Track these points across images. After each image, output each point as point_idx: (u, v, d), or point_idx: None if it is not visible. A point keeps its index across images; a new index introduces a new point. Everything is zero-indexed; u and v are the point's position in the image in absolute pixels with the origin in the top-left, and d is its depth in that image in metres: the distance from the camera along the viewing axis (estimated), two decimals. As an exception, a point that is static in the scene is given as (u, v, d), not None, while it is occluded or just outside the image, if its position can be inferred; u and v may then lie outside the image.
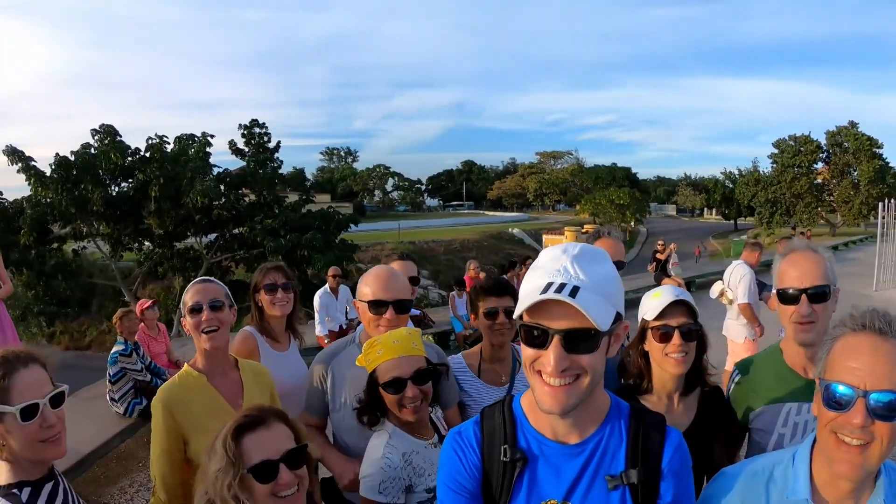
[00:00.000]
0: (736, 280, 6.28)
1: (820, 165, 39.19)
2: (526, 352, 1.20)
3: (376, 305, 2.18)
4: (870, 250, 21.79)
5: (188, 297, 2.23)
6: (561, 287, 1.13)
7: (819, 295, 1.82)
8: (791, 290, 1.85)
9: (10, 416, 1.48)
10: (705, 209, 79.87)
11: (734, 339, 6.38)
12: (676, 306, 1.94)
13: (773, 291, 1.95)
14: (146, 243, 20.41)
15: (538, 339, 1.16)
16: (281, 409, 1.69)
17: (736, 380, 2.05)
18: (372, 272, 2.28)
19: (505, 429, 1.32)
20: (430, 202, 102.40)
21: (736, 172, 50.40)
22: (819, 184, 38.78)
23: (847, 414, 1.15)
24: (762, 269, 6.90)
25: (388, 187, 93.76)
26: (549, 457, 1.28)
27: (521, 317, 1.19)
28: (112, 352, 6.09)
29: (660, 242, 15.24)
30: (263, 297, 2.86)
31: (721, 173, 57.80)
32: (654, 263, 14.33)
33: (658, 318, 1.95)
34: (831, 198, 38.41)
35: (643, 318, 2.01)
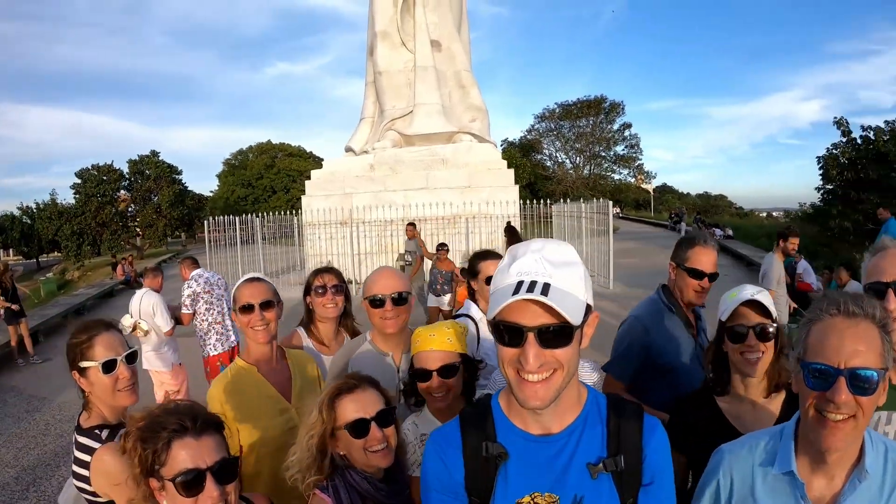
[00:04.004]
0: (149, 310, 6.06)
1: (123, 193, 40.86)
2: (502, 351, 1.21)
3: (372, 301, 2.34)
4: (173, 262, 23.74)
5: (239, 296, 2.40)
6: (532, 286, 1.14)
7: None
8: (877, 285, 1.80)
9: (94, 370, 1.94)
10: (1, 251, 69.25)
11: (160, 369, 6.10)
12: (751, 306, 1.92)
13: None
14: None
15: (514, 337, 1.18)
16: (373, 377, 1.89)
17: None
18: (370, 275, 2.46)
19: (485, 426, 1.34)
20: None
21: (34, 207, 45.76)
22: (123, 211, 40.36)
23: (829, 392, 1.26)
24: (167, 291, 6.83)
25: None
26: (530, 450, 1.29)
27: (493, 317, 1.20)
28: None
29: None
30: (314, 300, 3.03)
31: (18, 209, 51.72)
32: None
33: (732, 317, 1.93)
34: (135, 223, 40.57)
35: (719, 319, 1.99)
